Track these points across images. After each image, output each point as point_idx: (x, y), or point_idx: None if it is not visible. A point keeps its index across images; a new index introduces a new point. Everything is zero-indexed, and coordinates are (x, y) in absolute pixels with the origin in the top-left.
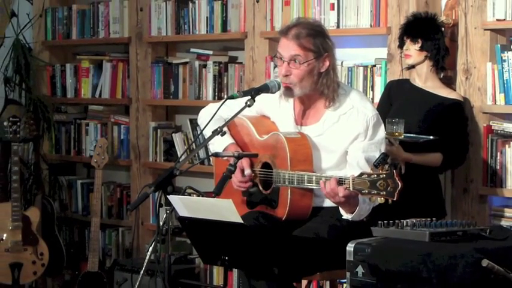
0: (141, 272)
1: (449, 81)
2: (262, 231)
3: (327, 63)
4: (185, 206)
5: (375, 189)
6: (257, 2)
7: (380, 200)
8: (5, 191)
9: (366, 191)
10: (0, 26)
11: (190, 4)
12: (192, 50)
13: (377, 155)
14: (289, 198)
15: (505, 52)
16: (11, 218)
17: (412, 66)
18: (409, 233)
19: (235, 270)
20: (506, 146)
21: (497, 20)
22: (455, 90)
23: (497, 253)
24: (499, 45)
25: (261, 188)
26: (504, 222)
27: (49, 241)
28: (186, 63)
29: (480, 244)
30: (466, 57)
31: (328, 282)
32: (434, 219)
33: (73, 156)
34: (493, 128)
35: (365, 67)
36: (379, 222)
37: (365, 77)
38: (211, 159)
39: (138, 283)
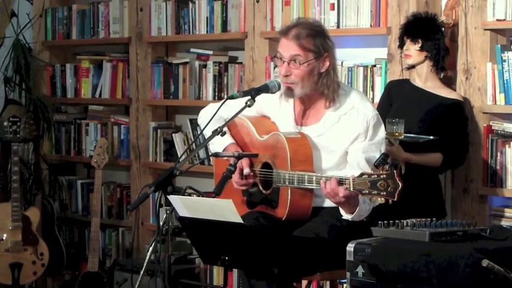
0: (141, 272)
1: (449, 81)
2: (262, 231)
3: (327, 63)
4: (185, 206)
5: (375, 189)
6: (257, 2)
7: (380, 200)
8: (5, 191)
9: (366, 191)
10: (0, 26)
11: (190, 4)
12: (192, 50)
13: (377, 155)
14: (289, 198)
15: (505, 52)
16: (11, 218)
17: (412, 66)
18: (409, 233)
19: (235, 270)
20: (506, 146)
21: (497, 20)
22: (455, 90)
23: (497, 253)
24: (499, 45)
25: (261, 188)
26: (504, 222)
27: (49, 241)
28: (186, 63)
29: (480, 244)
30: (466, 57)
31: (328, 282)
32: (434, 219)
33: (73, 156)
34: (493, 128)
35: (365, 67)
36: (379, 222)
37: (365, 77)
38: (211, 159)
39: (138, 283)
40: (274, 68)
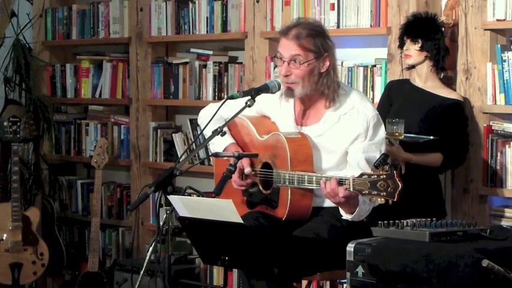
0: (141, 272)
1: (449, 81)
2: (262, 231)
3: (327, 63)
4: (185, 206)
5: (375, 189)
6: (257, 2)
7: (380, 200)
8: (5, 191)
9: (366, 192)
10: (0, 26)
11: (190, 4)
12: (192, 50)
13: (377, 155)
14: (289, 198)
15: (505, 52)
16: (11, 218)
17: (412, 66)
18: (409, 233)
19: (235, 270)
20: (506, 146)
21: (497, 20)
22: (455, 90)
23: (497, 253)
24: (499, 45)
25: (261, 188)
26: (504, 222)
27: (49, 241)
28: (186, 63)
29: (480, 244)
30: (466, 57)
31: (328, 283)
32: (434, 219)
33: (73, 157)
34: (493, 128)
35: (365, 67)
36: (379, 222)
37: (365, 77)
38: (211, 159)
39: (138, 283)
40: (274, 68)
